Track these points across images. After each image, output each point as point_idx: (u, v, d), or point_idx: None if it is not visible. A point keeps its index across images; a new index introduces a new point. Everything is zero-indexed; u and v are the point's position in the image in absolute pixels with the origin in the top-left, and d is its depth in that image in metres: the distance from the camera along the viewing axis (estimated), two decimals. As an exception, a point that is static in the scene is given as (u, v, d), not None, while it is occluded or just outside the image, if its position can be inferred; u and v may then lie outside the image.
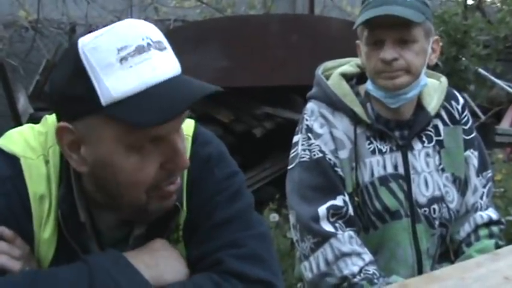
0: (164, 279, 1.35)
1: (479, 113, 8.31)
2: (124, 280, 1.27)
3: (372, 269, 2.07)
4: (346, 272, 2.06)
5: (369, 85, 2.18)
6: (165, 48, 1.27)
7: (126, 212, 1.37)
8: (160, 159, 1.29)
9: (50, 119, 1.43)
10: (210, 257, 1.40)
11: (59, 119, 1.31)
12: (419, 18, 2.06)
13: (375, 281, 2.05)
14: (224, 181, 1.47)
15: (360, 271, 2.06)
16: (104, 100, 1.20)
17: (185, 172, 1.45)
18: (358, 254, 2.08)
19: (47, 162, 1.39)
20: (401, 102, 2.15)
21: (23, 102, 6.77)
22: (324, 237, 2.09)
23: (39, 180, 1.38)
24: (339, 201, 2.12)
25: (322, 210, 2.10)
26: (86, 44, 1.22)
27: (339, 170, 2.15)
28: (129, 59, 1.20)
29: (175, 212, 1.42)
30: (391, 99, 2.14)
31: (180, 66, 1.30)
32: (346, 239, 2.08)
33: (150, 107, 1.20)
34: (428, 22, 2.12)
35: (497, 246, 2.24)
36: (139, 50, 1.22)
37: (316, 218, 2.10)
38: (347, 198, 2.13)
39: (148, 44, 1.23)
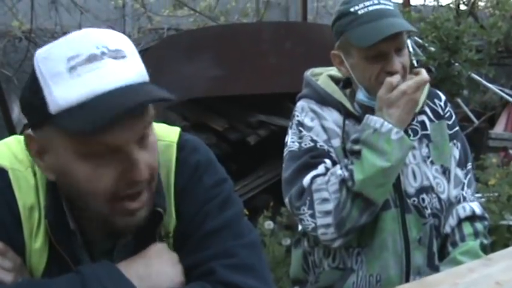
0: None
1: (473, 118, 8.34)
2: None
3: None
4: (336, 178, 2.10)
5: (360, 96, 2.20)
6: (123, 56, 1.26)
7: (97, 224, 1.37)
8: (118, 169, 1.27)
9: None
10: (202, 266, 1.40)
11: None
12: (409, 25, 2.13)
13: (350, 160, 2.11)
14: (213, 188, 1.47)
15: (339, 168, 2.11)
16: (52, 109, 1.21)
17: (173, 179, 1.46)
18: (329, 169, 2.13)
19: (34, 173, 1.40)
20: None
21: (17, 112, 6.79)
22: (308, 191, 2.12)
23: (28, 191, 1.39)
24: (320, 169, 2.15)
25: (306, 181, 2.14)
26: (40, 53, 1.25)
27: (333, 155, 2.18)
28: (78, 68, 1.21)
29: (159, 218, 1.42)
30: None
31: (144, 75, 1.29)
32: (324, 179, 2.12)
33: (90, 115, 1.19)
34: None
35: (482, 246, 2.27)
36: (91, 58, 1.22)
37: (303, 191, 2.14)
38: (329, 164, 2.16)
39: (103, 53, 1.23)
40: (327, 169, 2.15)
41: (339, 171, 2.11)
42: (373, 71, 2.14)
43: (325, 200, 2.11)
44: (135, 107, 1.22)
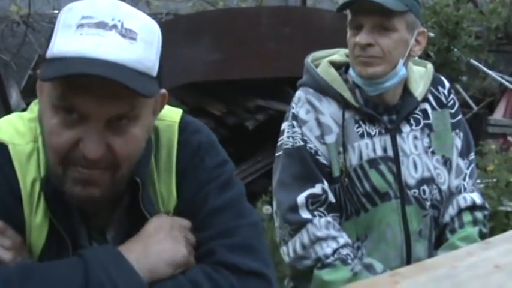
0: (157, 271, 1.34)
1: (472, 104, 8.34)
2: (119, 277, 1.26)
3: (346, 251, 2.14)
4: (320, 254, 2.12)
5: (351, 71, 2.22)
6: (133, 38, 1.26)
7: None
8: (76, 136, 1.27)
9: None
10: (203, 246, 1.40)
11: None
12: (398, 7, 2.08)
13: (349, 261, 2.12)
14: (215, 169, 1.47)
15: (334, 253, 2.12)
16: (48, 54, 1.25)
17: (175, 159, 1.46)
18: (333, 238, 2.13)
19: (37, 147, 1.40)
20: (379, 91, 2.18)
21: (15, 97, 6.77)
22: (301, 224, 2.15)
23: (29, 165, 1.38)
24: (317, 189, 2.16)
25: (300, 198, 2.15)
26: (69, 4, 1.29)
27: (320, 157, 2.18)
28: (85, 28, 1.23)
29: (137, 188, 1.40)
30: (369, 87, 2.18)
31: (147, 67, 1.28)
32: (323, 225, 2.14)
33: (56, 68, 1.22)
34: (413, 14, 2.15)
35: (481, 234, 2.27)
36: (99, 25, 1.24)
37: (295, 207, 2.15)
38: (326, 186, 2.17)
39: (114, 26, 1.24)
40: (324, 190, 2.16)
41: (327, 250, 2.13)
42: (351, 43, 2.16)
43: (300, 242, 2.16)
44: (92, 76, 1.20)
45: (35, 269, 1.28)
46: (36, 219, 1.38)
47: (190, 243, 1.41)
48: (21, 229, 1.37)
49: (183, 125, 1.49)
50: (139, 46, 1.27)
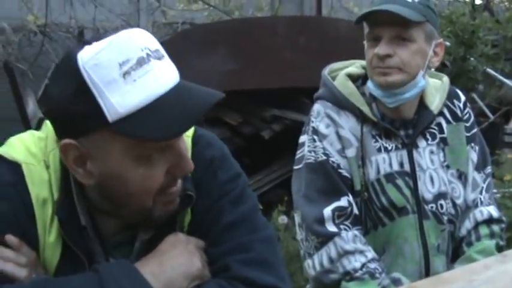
0: (173, 285, 1.35)
1: (488, 113, 8.29)
2: None
3: (374, 265, 2.13)
4: (348, 267, 2.11)
5: (369, 83, 2.21)
6: (163, 56, 1.28)
7: (130, 218, 1.39)
8: (167, 165, 1.31)
9: (50, 124, 1.43)
10: (218, 262, 1.40)
11: (59, 135, 1.32)
12: (416, 18, 2.09)
13: (377, 275, 2.11)
14: (228, 183, 1.47)
15: (362, 266, 2.11)
16: (110, 117, 1.22)
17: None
18: (361, 252, 2.13)
19: (47, 167, 1.40)
20: (398, 102, 2.18)
21: (32, 106, 6.79)
22: (328, 237, 2.14)
23: (41, 185, 1.39)
24: (343, 202, 2.16)
25: (327, 211, 2.15)
26: (87, 60, 1.22)
27: (343, 171, 2.18)
28: (132, 73, 1.21)
29: (188, 202, 1.43)
30: (388, 98, 2.18)
31: (178, 72, 1.31)
32: (350, 238, 2.13)
33: (161, 120, 1.21)
34: (431, 25, 2.15)
35: (498, 247, 2.26)
36: (140, 62, 1.22)
37: (321, 220, 2.15)
38: (351, 198, 2.17)
39: (148, 55, 1.24)
40: (350, 203, 2.16)
41: (357, 263, 2.12)
42: (369, 55, 2.16)
43: (327, 256, 2.15)
44: (205, 111, 1.25)
45: (49, 285, 1.29)
46: (50, 238, 1.39)
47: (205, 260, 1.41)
48: (35, 246, 1.38)
49: (195, 138, 1.50)
50: (168, 58, 1.30)
